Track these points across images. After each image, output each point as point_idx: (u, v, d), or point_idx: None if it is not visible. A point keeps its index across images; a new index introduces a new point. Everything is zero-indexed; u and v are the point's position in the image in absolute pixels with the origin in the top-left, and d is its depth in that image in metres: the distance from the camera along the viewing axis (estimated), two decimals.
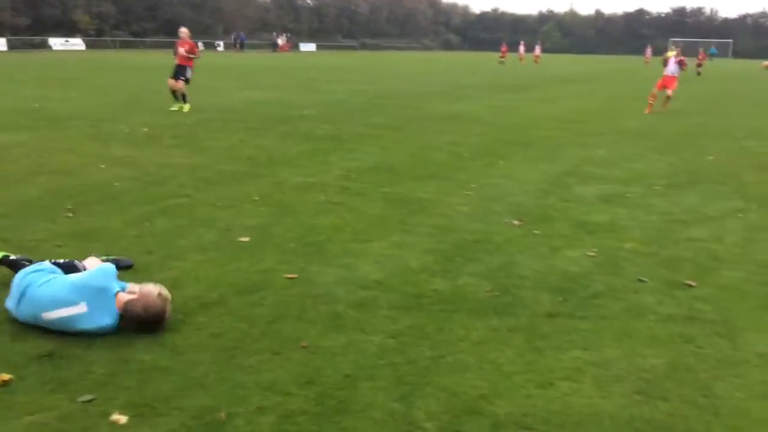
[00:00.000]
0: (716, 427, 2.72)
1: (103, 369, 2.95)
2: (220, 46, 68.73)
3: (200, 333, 3.34)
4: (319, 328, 3.44)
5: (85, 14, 60.19)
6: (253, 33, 77.62)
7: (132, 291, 3.31)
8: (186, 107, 13.36)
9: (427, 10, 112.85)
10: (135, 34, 64.67)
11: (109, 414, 2.60)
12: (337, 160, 8.46)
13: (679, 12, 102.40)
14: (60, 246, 4.61)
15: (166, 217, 5.52)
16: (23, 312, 3.27)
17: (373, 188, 6.85)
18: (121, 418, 2.56)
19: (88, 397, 2.73)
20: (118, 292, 3.30)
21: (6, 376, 2.84)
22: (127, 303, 3.23)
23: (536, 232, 5.44)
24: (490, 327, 3.54)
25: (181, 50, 13.49)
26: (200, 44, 15.66)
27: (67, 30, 58.01)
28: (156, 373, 2.93)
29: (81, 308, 3.17)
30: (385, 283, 4.13)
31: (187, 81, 13.51)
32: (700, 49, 39.67)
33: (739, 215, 6.26)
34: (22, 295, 3.27)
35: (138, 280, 3.56)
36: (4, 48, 46.61)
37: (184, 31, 14.06)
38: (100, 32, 61.74)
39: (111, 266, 3.41)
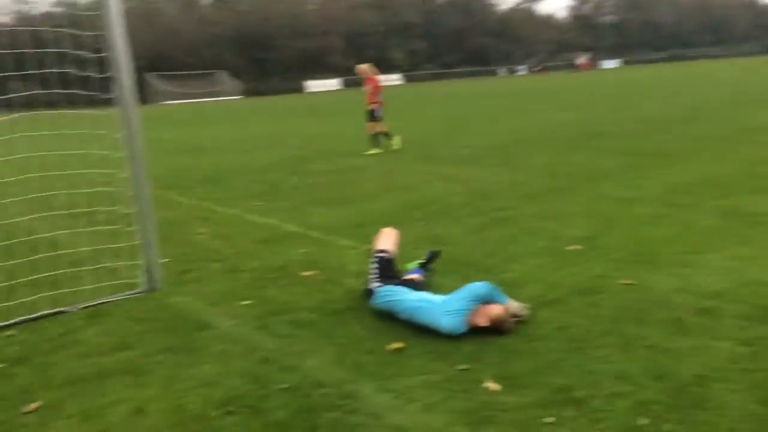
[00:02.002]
0: None
1: (470, 347, 3.43)
2: (521, 70, 77.35)
3: (548, 326, 3.67)
4: (661, 331, 3.53)
5: (401, 52, 72.46)
6: (553, 55, 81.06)
7: (483, 313, 3.59)
8: (395, 141, 12.57)
9: (744, 13, 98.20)
10: (444, 66, 73.93)
11: (482, 381, 3.06)
12: (657, 174, 8.31)
13: None
14: (420, 248, 5.06)
15: (498, 226, 6.06)
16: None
17: (703, 201, 6.61)
18: (494, 386, 3.01)
19: (463, 366, 3.23)
20: (474, 309, 3.60)
21: (400, 345, 3.51)
22: (475, 324, 3.59)
23: None
24: None
25: (366, 89, 12.94)
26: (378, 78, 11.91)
27: (385, 68, 60.32)
28: (515, 354, 3.34)
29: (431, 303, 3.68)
30: (729, 294, 4.02)
31: (374, 119, 12.65)
32: None
33: None
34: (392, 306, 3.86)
35: (483, 278, 4.03)
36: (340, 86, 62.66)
37: (360, 68, 13.09)
38: (413, 67, 72.71)
39: (478, 286, 3.71)
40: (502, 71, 79.18)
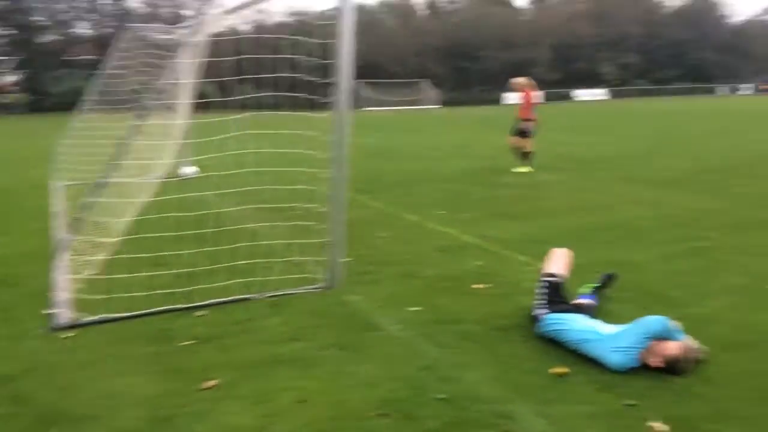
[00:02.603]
0: None
1: (641, 382, 3.28)
2: (745, 89, 70.58)
3: (731, 371, 3.43)
4: None
5: (611, 66, 68.41)
6: None
7: (657, 352, 3.37)
8: (522, 169, 11.75)
9: None
10: (657, 82, 69.34)
11: (647, 420, 2.92)
12: None
13: None
14: (597, 272, 4.79)
15: (691, 257, 5.73)
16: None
17: None
18: (661, 426, 2.86)
19: (630, 401, 3.09)
20: (648, 346, 3.37)
21: (564, 369, 3.42)
22: (647, 362, 3.39)
23: None
24: None
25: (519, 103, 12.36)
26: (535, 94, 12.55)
27: (592, 82, 65.37)
28: (689, 396, 3.16)
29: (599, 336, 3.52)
30: None
31: (523, 135, 12.03)
32: None
33: None
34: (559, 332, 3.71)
35: (664, 311, 3.72)
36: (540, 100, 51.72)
37: (515, 81, 12.49)
38: (622, 82, 68.24)
39: (652, 321, 3.43)
40: (723, 89, 71.39)
